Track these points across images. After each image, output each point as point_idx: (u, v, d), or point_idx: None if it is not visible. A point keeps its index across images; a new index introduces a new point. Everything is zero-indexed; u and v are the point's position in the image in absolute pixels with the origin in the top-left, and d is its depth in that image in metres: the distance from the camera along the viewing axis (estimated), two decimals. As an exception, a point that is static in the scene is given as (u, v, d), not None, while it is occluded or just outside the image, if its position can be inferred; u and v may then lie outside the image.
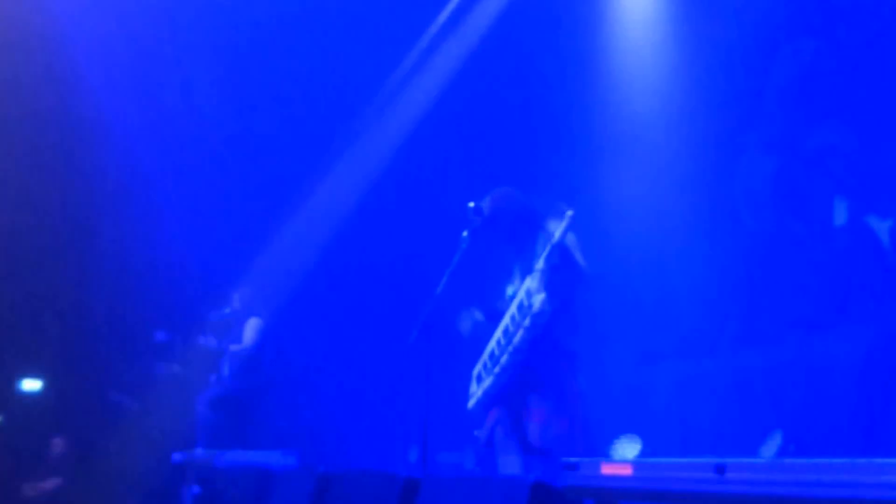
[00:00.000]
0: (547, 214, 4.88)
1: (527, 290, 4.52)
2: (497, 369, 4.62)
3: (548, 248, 4.44)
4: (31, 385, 8.45)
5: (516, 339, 4.52)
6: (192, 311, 8.13)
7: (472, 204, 4.92)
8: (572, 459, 2.71)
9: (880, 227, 6.48)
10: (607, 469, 2.58)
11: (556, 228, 4.48)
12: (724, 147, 7.45)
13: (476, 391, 4.82)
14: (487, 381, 4.69)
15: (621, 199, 7.82)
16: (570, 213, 4.44)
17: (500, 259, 5.05)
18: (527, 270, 4.66)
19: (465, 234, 4.88)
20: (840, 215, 6.79)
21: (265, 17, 8.40)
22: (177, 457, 6.55)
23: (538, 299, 4.41)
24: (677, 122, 7.62)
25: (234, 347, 7.53)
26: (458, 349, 5.20)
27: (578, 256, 4.68)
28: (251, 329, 7.60)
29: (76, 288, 8.72)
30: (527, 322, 4.46)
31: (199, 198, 8.80)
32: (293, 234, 8.75)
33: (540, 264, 4.46)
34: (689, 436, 6.80)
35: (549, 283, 4.44)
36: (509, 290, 4.81)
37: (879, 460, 2.18)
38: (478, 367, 4.89)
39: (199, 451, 6.70)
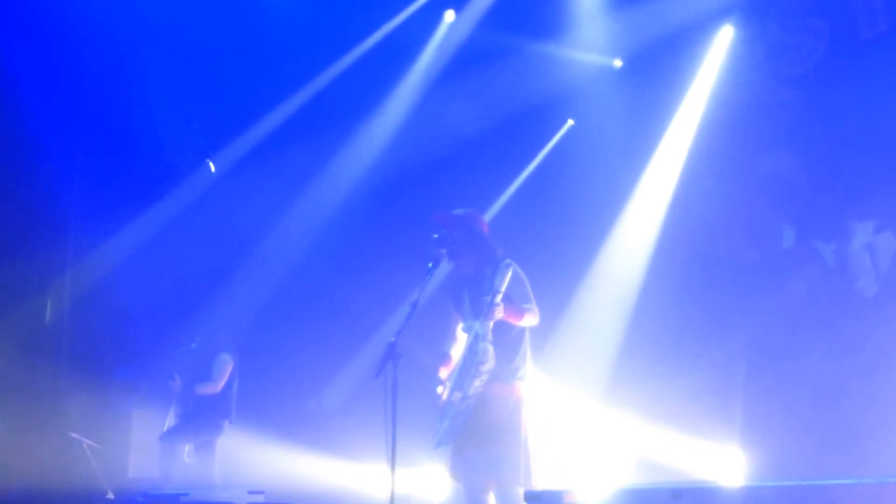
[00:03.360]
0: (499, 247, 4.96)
1: (475, 335, 4.57)
2: (452, 412, 4.64)
3: (493, 297, 4.50)
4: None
5: (468, 387, 4.57)
6: (154, 347, 8.07)
7: (436, 235, 4.96)
8: (535, 490, 2.80)
9: (825, 249, 6.73)
10: (569, 498, 2.67)
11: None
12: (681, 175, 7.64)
13: (439, 430, 4.80)
14: (446, 423, 4.69)
15: (584, 221, 7.99)
16: (507, 261, 4.60)
17: (455, 295, 5.03)
18: (476, 302, 4.71)
19: (430, 265, 4.90)
20: (788, 239, 7.03)
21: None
22: (142, 498, 6.44)
23: (486, 351, 4.50)
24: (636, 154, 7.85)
25: (201, 389, 7.41)
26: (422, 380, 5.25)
27: (524, 294, 4.74)
28: (221, 367, 7.49)
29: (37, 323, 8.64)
30: (475, 371, 4.53)
31: (157, 230, 8.79)
32: (255, 269, 8.77)
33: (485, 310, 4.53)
34: (651, 452, 6.88)
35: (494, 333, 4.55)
36: (464, 326, 4.79)
37: (829, 482, 2.30)
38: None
39: (166, 490, 6.63)
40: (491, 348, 4.52)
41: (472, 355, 4.58)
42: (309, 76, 8.80)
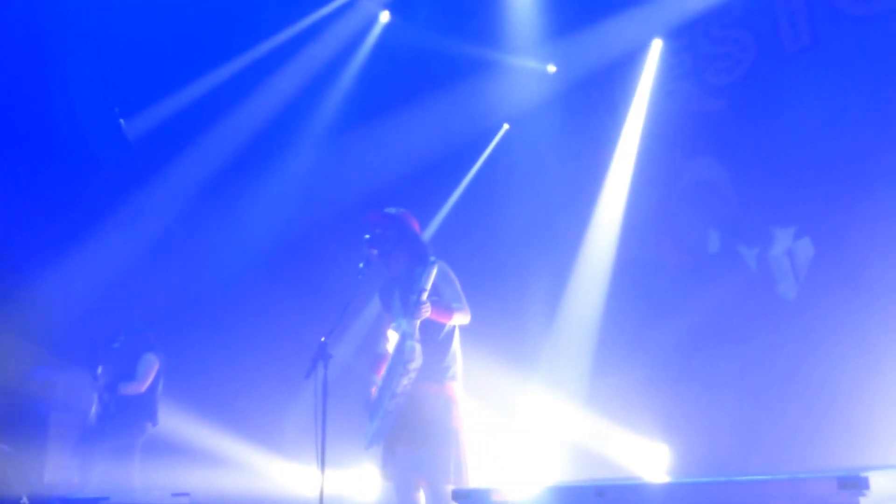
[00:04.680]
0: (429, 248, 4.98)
1: (402, 334, 4.59)
2: (381, 412, 4.66)
3: (419, 295, 4.50)
4: None
5: (397, 386, 4.57)
6: (73, 347, 7.84)
7: (367, 236, 4.96)
8: (463, 489, 2.83)
9: (748, 254, 6.94)
10: (497, 497, 2.70)
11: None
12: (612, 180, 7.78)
13: (369, 431, 4.83)
14: (376, 423, 4.71)
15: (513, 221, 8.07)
16: (434, 259, 4.59)
17: (385, 295, 5.05)
18: (405, 301, 4.72)
19: (361, 265, 4.89)
20: (713, 244, 7.22)
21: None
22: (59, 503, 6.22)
23: (413, 349, 4.50)
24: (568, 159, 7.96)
25: (124, 389, 7.18)
26: (353, 381, 5.25)
27: (454, 293, 4.77)
28: (146, 367, 7.30)
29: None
30: (402, 370, 4.53)
31: (78, 224, 8.56)
32: (182, 266, 8.61)
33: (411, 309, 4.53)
34: (582, 449, 6.98)
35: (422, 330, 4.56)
36: (395, 326, 4.80)
37: (745, 478, 2.38)
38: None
39: (84, 494, 6.44)
40: (418, 346, 4.52)
41: (400, 354, 4.59)
42: (233, 66, 8.65)
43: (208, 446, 7.99)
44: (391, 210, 5.05)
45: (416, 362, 4.52)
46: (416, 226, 5.08)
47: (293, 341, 8.10)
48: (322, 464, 4.44)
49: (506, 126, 8.69)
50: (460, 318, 4.75)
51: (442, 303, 4.69)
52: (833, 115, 6.26)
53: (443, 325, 4.73)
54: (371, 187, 8.26)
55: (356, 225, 5.28)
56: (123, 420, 7.21)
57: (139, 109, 8.79)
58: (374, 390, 4.83)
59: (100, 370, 7.27)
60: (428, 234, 8.14)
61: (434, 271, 4.57)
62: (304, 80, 8.62)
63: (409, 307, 4.57)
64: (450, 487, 4.41)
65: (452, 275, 4.86)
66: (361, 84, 8.68)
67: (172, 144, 8.76)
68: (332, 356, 4.59)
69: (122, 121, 8.77)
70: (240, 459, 8.07)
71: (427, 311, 4.53)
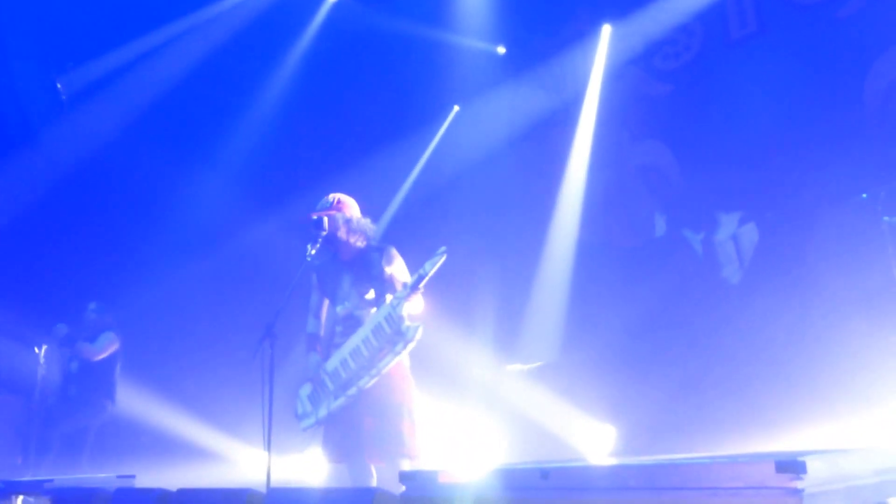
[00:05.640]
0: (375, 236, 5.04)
1: (397, 316, 4.59)
2: (354, 390, 4.67)
3: (420, 280, 4.54)
4: None
5: (383, 365, 4.62)
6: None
7: (314, 216, 4.94)
8: (410, 469, 2.82)
9: (694, 238, 7.04)
10: (444, 478, 2.70)
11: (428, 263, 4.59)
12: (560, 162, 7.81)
13: (311, 412, 4.85)
14: (341, 401, 4.71)
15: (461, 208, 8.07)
16: (443, 249, 4.57)
17: (328, 276, 5.06)
18: (360, 285, 4.82)
19: (309, 247, 4.87)
20: (660, 227, 7.31)
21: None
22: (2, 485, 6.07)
23: (417, 329, 4.56)
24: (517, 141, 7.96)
25: (82, 348, 7.25)
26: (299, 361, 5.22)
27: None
28: (106, 340, 7.38)
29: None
30: (400, 348, 4.59)
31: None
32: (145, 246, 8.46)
33: (404, 292, 4.57)
34: (527, 430, 7.03)
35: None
36: (345, 306, 4.87)
37: (691, 459, 2.42)
38: (306, 389, 4.90)
39: (28, 476, 6.32)
40: (421, 328, 4.57)
41: (398, 335, 4.60)
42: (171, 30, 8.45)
43: (156, 428, 7.89)
44: (337, 196, 5.07)
45: (414, 343, 4.59)
46: (359, 212, 5.11)
47: (241, 323, 8.04)
48: (268, 443, 4.41)
49: (456, 108, 8.66)
50: (418, 306, 4.76)
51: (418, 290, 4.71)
52: (778, 100, 6.35)
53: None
54: (319, 169, 8.19)
55: (303, 207, 5.25)
56: (85, 398, 7.26)
57: (74, 69, 8.52)
58: (327, 368, 4.83)
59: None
60: (382, 218, 8.11)
61: (442, 260, 4.57)
62: (249, 57, 8.47)
63: (405, 290, 4.58)
64: (405, 462, 4.49)
65: (402, 262, 4.94)
66: (307, 65, 8.56)
67: (108, 109, 8.51)
68: (277, 337, 4.58)
69: (59, 85, 8.49)
70: (188, 441, 7.98)
71: (416, 297, 4.59)
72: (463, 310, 7.66)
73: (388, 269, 4.80)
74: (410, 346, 4.60)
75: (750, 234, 6.65)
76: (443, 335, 6.93)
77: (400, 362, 4.74)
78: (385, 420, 4.64)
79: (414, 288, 4.56)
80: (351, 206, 5.04)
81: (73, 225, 8.59)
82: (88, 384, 7.31)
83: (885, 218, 4.68)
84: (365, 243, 4.94)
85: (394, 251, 4.89)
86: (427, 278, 4.56)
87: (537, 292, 7.69)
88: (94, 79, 8.46)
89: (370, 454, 4.66)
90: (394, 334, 4.61)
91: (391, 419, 4.65)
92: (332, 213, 4.96)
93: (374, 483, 4.64)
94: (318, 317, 5.05)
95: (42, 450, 7.20)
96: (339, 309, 4.89)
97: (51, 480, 5.66)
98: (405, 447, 4.61)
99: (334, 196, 5.07)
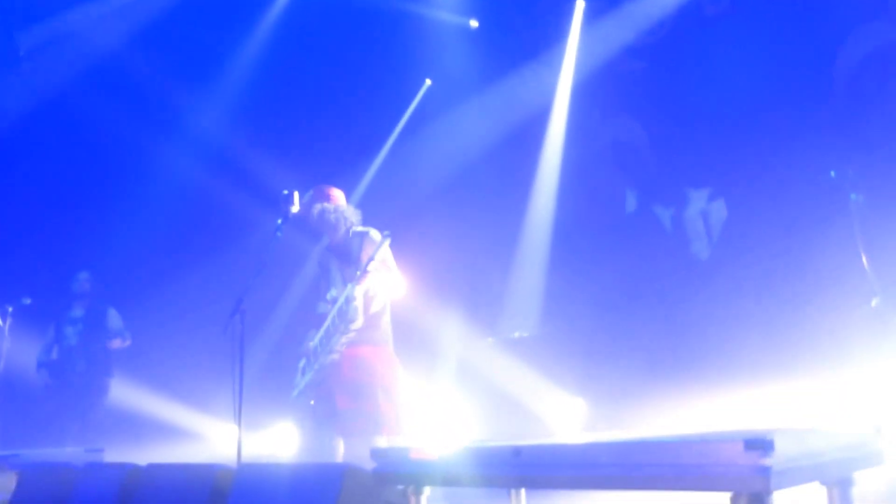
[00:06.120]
0: (358, 222, 5.19)
1: (346, 298, 4.79)
2: (317, 366, 4.92)
3: (367, 264, 4.69)
4: None
5: (335, 343, 4.84)
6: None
7: (285, 192, 4.94)
8: (382, 446, 2.84)
9: (664, 214, 7.08)
10: (415, 455, 2.72)
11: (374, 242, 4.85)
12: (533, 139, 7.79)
13: (300, 383, 5.09)
14: (309, 376, 4.97)
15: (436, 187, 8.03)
16: (387, 233, 4.75)
17: (323, 262, 5.23)
18: (344, 269, 4.98)
19: (279, 221, 4.88)
20: (630, 204, 7.35)
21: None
22: None
23: (356, 310, 4.75)
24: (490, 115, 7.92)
25: (117, 343, 7.23)
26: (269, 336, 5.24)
27: (391, 266, 4.97)
28: (120, 321, 7.37)
29: None
30: (343, 328, 4.80)
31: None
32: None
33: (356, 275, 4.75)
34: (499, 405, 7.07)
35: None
36: (332, 293, 5.03)
37: (662, 437, 2.45)
38: (301, 362, 5.14)
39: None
40: (360, 309, 4.77)
41: (343, 315, 4.80)
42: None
43: (123, 404, 7.82)
44: (321, 186, 5.22)
45: (358, 323, 4.79)
46: (342, 197, 5.27)
47: (210, 297, 7.98)
48: (238, 418, 4.41)
49: (428, 82, 8.60)
50: (397, 288, 4.96)
51: (385, 273, 4.89)
52: (749, 78, 6.38)
53: (378, 294, 4.97)
54: (288, 142, 8.12)
55: (272, 180, 5.25)
56: (93, 372, 7.19)
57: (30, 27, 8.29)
58: (310, 345, 5.04)
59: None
60: (355, 192, 8.06)
61: (384, 243, 4.74)
62: (216, 26, 8.32)
63: (356, 274, 4.75)
64: (381, 440, 4.62)
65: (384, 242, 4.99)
66: (276, 37, 8.42)
67: (68, 74, 8.32)
68: (247, 311, 4.60)
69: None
70: (157, 418, 7.93)
71: (371, 279, 4.73)
72: (438, 285, 7.67)
73: (364, 254, 4.93)
74: (354, 325, 4.77)
75: (719, 210, 6.71)
76: (419, 311, 6.95)
77: (382, 343, 4.96)
78: (359, 399, 4.80)
79: (363, 271, 4.70)
80: (331, 195, 5.19)
81: (30, 189, 8.39)
82: (96, 358, 7.22)
83: (853, 195, 4.74)
84: (346, 229, 5.11)
85: (372, 234, 5.04)
86: (372, 263, 4.68)
87: (517, 267, 7.71)
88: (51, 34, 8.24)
89: (342, 429, 4.81)
90: (345, 314, 4.80)
91: (366, 398, 4.80)
92: (312, 197, 5.10)
93: (339, 458, 4.73)
94: (322, 298, 5.22)
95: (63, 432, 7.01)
96: (329, 294, 5.06)
97: (16, 455, 5.60)
98: (381, 426, 4.76)
99: (317, 189, 5.20)
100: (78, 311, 7.32)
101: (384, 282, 4.90)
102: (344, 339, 4.83)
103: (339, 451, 4.82)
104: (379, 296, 4.97)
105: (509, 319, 7.63)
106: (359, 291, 4.75)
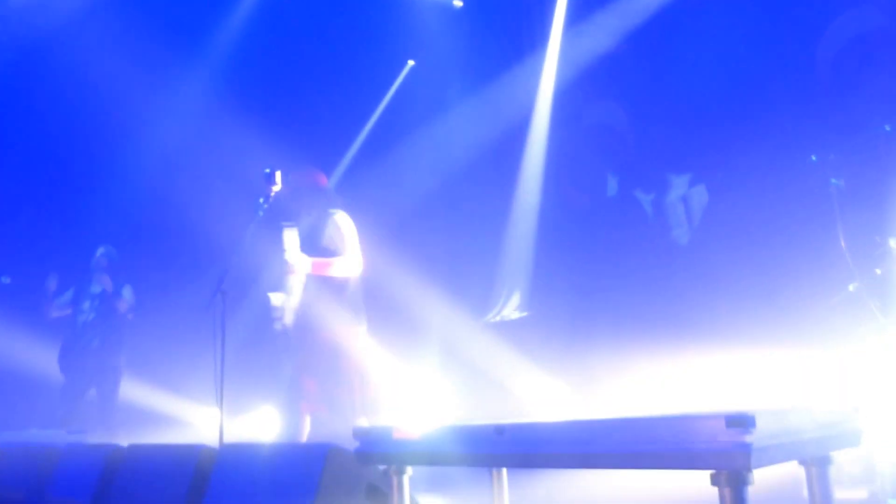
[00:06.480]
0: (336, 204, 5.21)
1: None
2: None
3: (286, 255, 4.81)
4: None
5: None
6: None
7: (267, 170, 4.94)
8: (364, 426, 2.84)
9: (645, 199, 7.11)
10: (398, 434, 2.72)
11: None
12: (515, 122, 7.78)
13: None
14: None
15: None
16: (332, 212, 4.92)
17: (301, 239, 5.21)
18: (313, 254, 4.96)
19: (261, 200, 4.88)
20: (612, 187, 7.36)
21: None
22: None
23: (270, 299, 4.84)
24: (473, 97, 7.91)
25: (121, 303, 7.05)
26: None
27: (353, 246, 5.04)
28: (129, 295, 7.21)
29: None
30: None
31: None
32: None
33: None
34: (482, 386, 7.11)
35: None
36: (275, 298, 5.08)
37: (644, 415, 2.46)
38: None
39: None
40: (275, 296, 4.83)
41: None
42: None
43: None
44: (297, 171, 5.25)
45: (277, 312, 4.83)
46: (321, 180, 5.29)
47: (192, 277, 7.94)
48: (220, 399, 4.40)
49: (411, 62, 8.56)
50: (343, 270, 4.98)
51: (321, 259, 4.93)
52: (731, 62, 6.40)
53: (346, 278, 5.00)
54: (269, 122, 8.05)
55: (254, 160, 5.23)
56: (107, 351, 7.02)
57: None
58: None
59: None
60: (335, 173, 8.02)
61: (294, 233, 4.86)
62: (195, 11, 8.23)
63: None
64: (359, 421, 4.62)
65: (344, 225, 5.07)
66: (258, 15, 8.35)
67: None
68: (228, 290, 4.60)
69: None
70: (140, 403, 7.89)
71: (299, 268, 4.83)
72: (423, 267, 7.67)
73: (325, 238, 5.00)
74: (274, 314, 4.82)
75: (700, 195, 6.74)
76: (404, 292, 6.96)
77: (355, 328, 4.97)
78: (326, 378, 4.85)
79: (285, 264, 4.81)
80: (308, 176, 5.21)
81: (8, 168, 8.29)
82: (109, 336, 7.06)
83: (833, 180, 4.77)
84: (316, 211, 5.13)
85: (337, 218, 5.07)
86: (286, 253, 4.80)
87: (503, 249, 7.72)
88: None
89: (310, 407, 4.87)
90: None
91: (330, 377, 4.84)
92: (293, 177, 5.12)
93: (304, 436, 4.77)
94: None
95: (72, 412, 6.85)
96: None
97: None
98: (358, 408, 4.78)
99: (296, 170, 5.23)
100: (96, 287, 7.15)
101: (322, 266, 4.92)
102: (277, 326, 4.85)
103: (305, 431, 4.86)
104: (333, 278, 4.98)
105: (494, 302, 7.64)
106: (295, 279, 4.82)
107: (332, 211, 5.12)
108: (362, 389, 4.85)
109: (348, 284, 5.04)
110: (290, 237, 4.85)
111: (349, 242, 5.01)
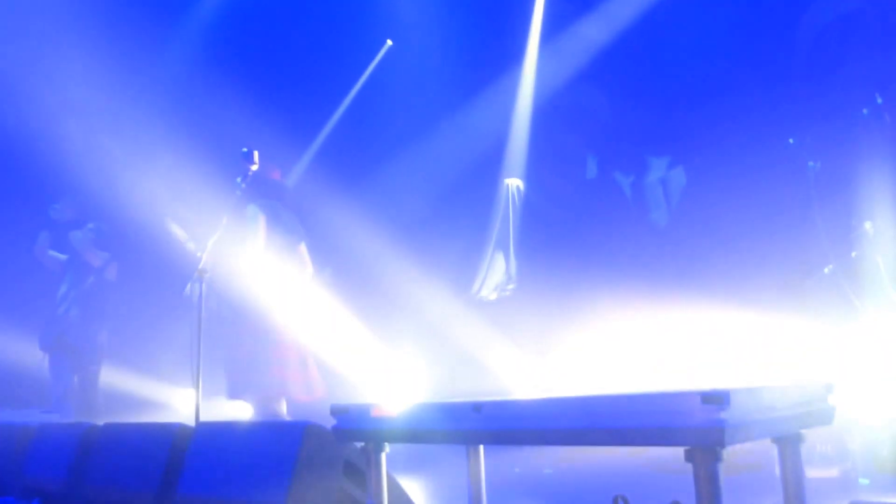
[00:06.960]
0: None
1: None
2: None
3: None
4: None
5: None
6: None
7: (245, 149, 4.90)
8: (343, 403, 2.83)
9: (624, 181, 7.13)
10: (376, 412, 2.72)
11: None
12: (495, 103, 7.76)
13: None
14: None
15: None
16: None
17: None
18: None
19: (239, 179, 4.84)
20: (591, 170, 7.37)
21: None
22: None
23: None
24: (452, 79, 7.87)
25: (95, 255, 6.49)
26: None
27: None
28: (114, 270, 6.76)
29: None
30: None
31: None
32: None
33: None
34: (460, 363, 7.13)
35: None
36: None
37: (620, 392, 2.48)
38: None
39: None
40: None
41: None
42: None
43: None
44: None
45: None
46: (274, 174, 5.47)
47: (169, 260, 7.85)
48: (197, 379, 4.38)
49: (389, 42, 8.50)
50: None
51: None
52: (710, 46, 6.41)
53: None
54: (245, 102, 7.97)
55: (229, 141, 5.21)
56: (87, 326, 6.46)
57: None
58: None
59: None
60: (309, 152, 7.97)
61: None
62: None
63: None
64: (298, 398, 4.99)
65: (254, 217, 5.22)
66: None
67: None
68: (207, 271, 4.54)
69: None
70: (118, 386, 7.83)
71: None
72: (402, 244, 7.66)
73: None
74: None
75: (678, 177, 6.76)
76: (384, 271, 6.95)
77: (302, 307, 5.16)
78: (275, 361, 5.06)
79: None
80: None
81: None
82: (89, 303, 6.48)
83: (810, 163, 4.81)
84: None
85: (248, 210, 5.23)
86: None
87: (485, 230, 7.73)
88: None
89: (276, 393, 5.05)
90: None
91: (274, 359, 5.05)
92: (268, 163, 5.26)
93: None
94: None
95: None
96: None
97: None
98: (298, 385, 5.05)
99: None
100: (64, 254, 6.60)
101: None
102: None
103: (270, 413, 4.96)
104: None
105: (473, 281, 7.65)
106: None
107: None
108: (294, 368, 5.07)
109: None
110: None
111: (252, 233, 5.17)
